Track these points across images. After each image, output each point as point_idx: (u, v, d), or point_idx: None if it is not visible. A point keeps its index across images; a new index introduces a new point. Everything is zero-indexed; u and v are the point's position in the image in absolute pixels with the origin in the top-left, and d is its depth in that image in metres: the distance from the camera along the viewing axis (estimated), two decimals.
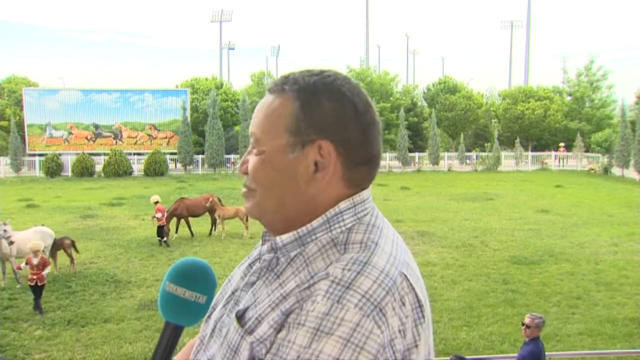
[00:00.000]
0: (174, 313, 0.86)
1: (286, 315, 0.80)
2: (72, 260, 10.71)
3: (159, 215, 12.82)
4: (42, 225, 11.56)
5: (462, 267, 10.98)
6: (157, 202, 13.12)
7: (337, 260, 0.84)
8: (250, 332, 0.84)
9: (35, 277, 8.48)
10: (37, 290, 8.53)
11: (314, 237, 0.89)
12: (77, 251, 10.93)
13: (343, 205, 0.90)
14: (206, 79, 39.00)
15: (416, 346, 0.83)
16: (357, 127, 0.90)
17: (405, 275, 0.85)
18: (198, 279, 0.87)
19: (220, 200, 14.26)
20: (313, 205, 0.90)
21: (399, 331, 0.79)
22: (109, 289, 9.74)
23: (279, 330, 0.80)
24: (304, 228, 0.89)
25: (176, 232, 13.78)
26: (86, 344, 7.48)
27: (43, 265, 8.62)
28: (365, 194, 0.94)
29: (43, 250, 9.32)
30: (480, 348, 7.24)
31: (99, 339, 7.61)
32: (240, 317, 0.88)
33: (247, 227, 13.65)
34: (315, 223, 0.89)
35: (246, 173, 0.95)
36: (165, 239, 12.92)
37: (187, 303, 0.86)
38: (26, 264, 8.70)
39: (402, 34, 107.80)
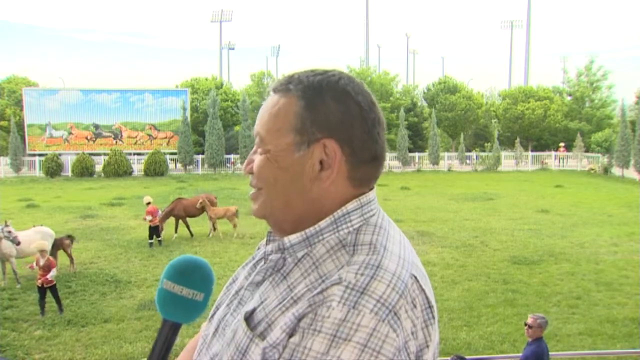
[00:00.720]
0: (172, 310, 0.86)
1: (298, 319, 0.80)
2: (72, 260, 10.71)
3: (149, 217, 12.72)
4: (42, 225, 11.56)
5: (462, 267, 10.98)
6: (149, 203, 13.05)
7: (347, 263, 0.83)
8: (262, 336, 0.84)
9: (41, 278, 8.43)
10: (43, 291, 8.47)
11: (321, 237, 0.89)
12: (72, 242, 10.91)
13: (350, 206, 0.90)
14: (206, 79, 39.04)
15: (427, 346, 0.84)
16: (361, 126, 0.90)
17: (416, 277, 0.85)
18: (195, 277, 0.87)
19: (212, 201, 14.20)
20: (318, 204, 0.90)
21: (411, 333, 0.80)
22: (109, 289, 9.75)
23: (291, 335, 0.80)
24: (311, 228, 0.89)
25: (175, 232, 13.77)
26: (86, 344, 7.48)
27: (48, 266, 8.51)
28: (371, 194, 0.94)
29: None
30: (480, 348, 7.24)
31: (99, 339, 7.61)
32: (249, 319, 0.87)
33: (235, 226, 13.59)
34: (322, 223, 0.89)
35: (251, 173, 0.95)
36: (152, 241, 12.78)
37: (185, 300, 0.86)
38: (36, 264, 8.66)
39: (402, 34, 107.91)
